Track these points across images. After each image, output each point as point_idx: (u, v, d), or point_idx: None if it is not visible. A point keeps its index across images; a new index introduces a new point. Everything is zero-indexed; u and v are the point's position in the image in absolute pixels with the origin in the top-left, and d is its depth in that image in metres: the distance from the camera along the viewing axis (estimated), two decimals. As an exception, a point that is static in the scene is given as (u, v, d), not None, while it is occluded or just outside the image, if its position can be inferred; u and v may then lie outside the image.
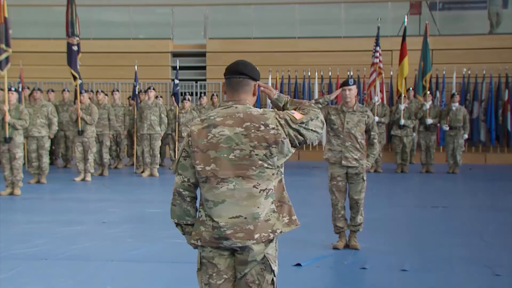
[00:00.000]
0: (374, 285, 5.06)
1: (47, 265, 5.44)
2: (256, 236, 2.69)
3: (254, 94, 2.87)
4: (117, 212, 8.20)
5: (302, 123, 2.76)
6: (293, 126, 2.75)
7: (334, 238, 6.29)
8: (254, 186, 2.70)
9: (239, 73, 2.83)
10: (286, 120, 2.74)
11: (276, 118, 2.73)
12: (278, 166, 2.76)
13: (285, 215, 2.78)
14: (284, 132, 2.72)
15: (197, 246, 2.82)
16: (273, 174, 2.75)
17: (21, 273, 5.17)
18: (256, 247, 2.70)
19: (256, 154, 2.69)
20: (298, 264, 5.39)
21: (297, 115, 2.78)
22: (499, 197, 9.86)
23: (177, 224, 2.90)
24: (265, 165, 2.70)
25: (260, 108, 2.79)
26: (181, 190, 2.80)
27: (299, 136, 2.76)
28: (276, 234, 2.73)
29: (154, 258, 5.67)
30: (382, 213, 8.14)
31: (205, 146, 2.72)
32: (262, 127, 2.70)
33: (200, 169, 2.72)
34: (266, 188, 2.72)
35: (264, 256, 2.72)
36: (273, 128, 2.71)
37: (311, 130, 2.79)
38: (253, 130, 2.69)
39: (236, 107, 2.77)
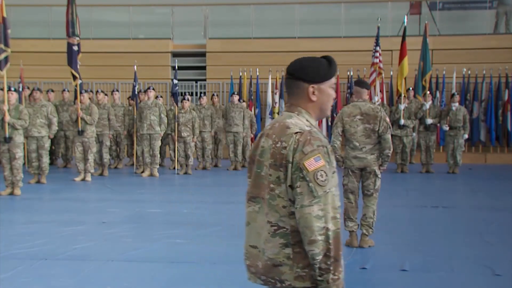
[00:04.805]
0: (374, 285, 5.05)
1: (47, 265, 5.44)
2: (262, 278, 2.29)
3: (310, 100, 2.33)
4: (117, 212, 8.20)
5: (309, 178, 2.17)
6: (300, 162, 2.20)
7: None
8: (266, 213, 2.28)
9: (288, 72, 2.36)
10: (297, 149, 2.21)
11: (294, 138, 2.23)
12: (291, 200, 2.22)
13: (300, 265, 2.22)
14: (291, 157, 2.22)
15: None
16: (284, 207, 2.22)
17: (21, 273, 5.16)
18: None
19: (270, 175, 2.26)
20: (298, 264, 5.38)
21: (312, 163, 2.19)
22: (499, 197, 9.85)
23: None
24: (277, 191, 2.24)
25: (291, 119, 2.31)
26: None
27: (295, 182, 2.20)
28: (284, 285, 2.23)
29: (154, 258, 5.66)
30: (382, 213, 8.12)
31: (251, 158, 2.38)
32: (279, 144, 2.25)
33: (248, 183, 2.40)
34: (272, 222, 2.24)
35: None
36: (284, 148, 2.23)
37: (313, 193, 2.16)
38: (273, 145, 2.28)
39: (282, 114, 2.38)
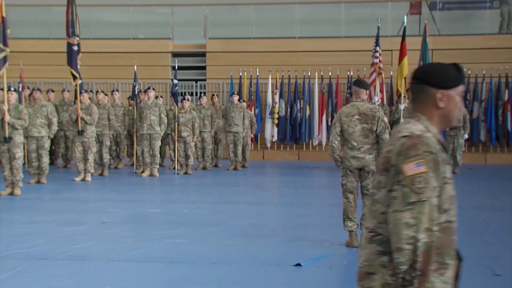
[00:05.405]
0: (374, 285, 5.04)
1: (47, 265, 5.44)
2: (360, 283, 2.21)
3: (437, 107, 2.17)
4: (117, 212, 8.20)
5: (405, 184, 2.04)
6: (400, 165, 2.07)
7: (335, 238, 6.29)
8: (365, 219, 2.30)
9: (414, 76, 2.24)
10: (401, 152, 2.08)
11: (400, 141, 2.11)
12: (388, 206, 2.10)
13: (390, 273, 2.10)
14: (394, 160, 2.09)
15: None
16: (382, 214, 2.12)
17: (21, 273, 5.16)
18: None
19: (374, 179, 2.22)
20: (298, 264, 5.38)
21: (412, 168, 2.04)
22: (499, 197, 9.86)
23: None
24: (377, 196, 2.16)
25: (407, 125, 2.18)
26: None
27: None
28: None
29: (154, 258, 5.66)
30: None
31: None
32: (388, 147, 2.16)
33: None
34: (369, 228, 2.17)
35: None
36: (390, 151, 2.12)
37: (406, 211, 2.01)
38: (386, 149, 2.18)
39: (404, 120, 2.26)
